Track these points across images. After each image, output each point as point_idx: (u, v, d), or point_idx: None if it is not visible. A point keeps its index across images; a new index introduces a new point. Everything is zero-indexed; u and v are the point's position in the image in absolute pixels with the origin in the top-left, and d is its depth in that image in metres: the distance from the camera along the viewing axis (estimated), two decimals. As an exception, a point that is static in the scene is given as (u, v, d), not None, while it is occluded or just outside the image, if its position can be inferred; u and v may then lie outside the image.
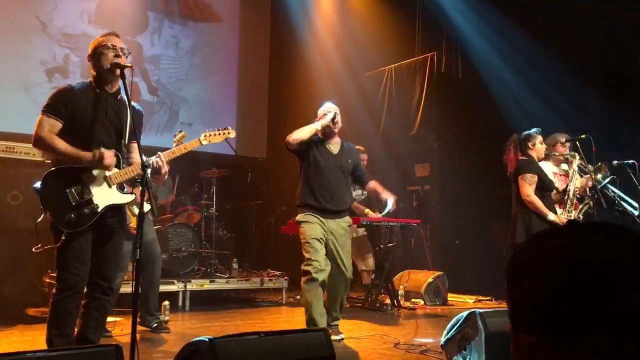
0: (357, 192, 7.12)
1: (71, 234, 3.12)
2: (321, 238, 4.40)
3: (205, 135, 3.80)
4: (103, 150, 3.16)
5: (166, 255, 6.10)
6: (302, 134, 4.45)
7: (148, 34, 8.72)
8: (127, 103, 3.28)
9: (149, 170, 3.08)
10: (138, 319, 4.83)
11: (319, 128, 4.51)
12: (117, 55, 3.23)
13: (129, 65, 3.20)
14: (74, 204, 3.12)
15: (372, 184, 4.85)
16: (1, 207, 5.38)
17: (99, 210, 3.19)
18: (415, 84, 8.55)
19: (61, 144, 3.14)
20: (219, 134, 3.85)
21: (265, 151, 9.69)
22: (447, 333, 3.78)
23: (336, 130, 4.59)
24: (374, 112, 9.02)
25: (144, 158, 3.11)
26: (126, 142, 3.33)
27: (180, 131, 5.05)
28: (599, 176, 5.00)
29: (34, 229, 3.23)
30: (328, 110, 4.59)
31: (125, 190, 3.35)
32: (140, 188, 2.86)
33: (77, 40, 7.95)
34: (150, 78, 8.68)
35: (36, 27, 7.72)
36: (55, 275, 3.28)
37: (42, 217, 3.18)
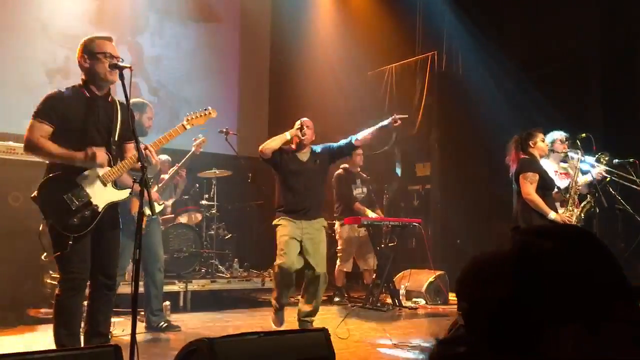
0: (357, 191, 7.10)
1: (76, 237, 3.17)
2: (294, 237, 4.75)
3: (188, 119, 3.82)
4: (95, 148, 3.22)
5: (167, 256, 6.10)
6: (273, 143, 4.86)
7: (149, 34, 8.71)
8: (116, 103, 3.39)
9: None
10: (143, 321, 4.87)
11: (289, 137, 4.88)
12: (112, 66, 3.27)
13: (128, 66, 3.21)
14: (74, 208, 3.18)
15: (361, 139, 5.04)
16: (2, 208, 5.37)
17: (100, 210, 3.27)
18: (416, 83, 8.54)
19: (52, 147, 3.19)
20: (201, 115, 3.87)
21: (266, 151, 9.67)
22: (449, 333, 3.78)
23: (305, 141, 4.92)
24: (375, 112, 9.01)
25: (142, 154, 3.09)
26: (115, 139, 3.40)
27: (200, 136, 5.22)
28: (603, 166, 5.00)
29: (34, 232, 3.28)
30: (297, 127, 4.99)
31: (119, 186, 3.40)
32: (144, 187, 2.87)
33: (78, 41, 7.89)
34: (151, 78, 8.68)
35: (37, 28, 7.71)
36: (57, 276, 3.31)
37: (41, 227, 3.29)
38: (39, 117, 3.24)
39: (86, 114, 3.29)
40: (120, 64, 3.26)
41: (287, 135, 4.89)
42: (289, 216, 4.85)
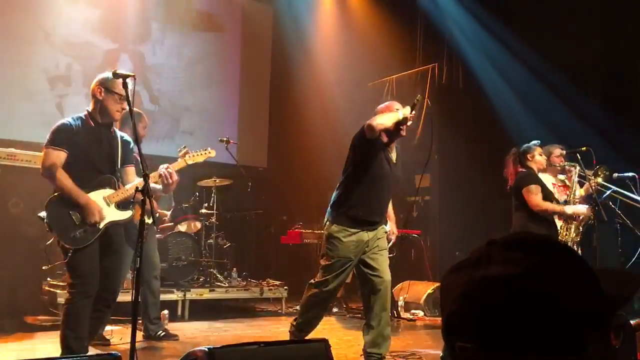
0: None
1: (76, 249, 3.37)
2: (355, 260, 3.80)
3: (189, 157, 4.06)
4: (96, 209, 3.42)
5: (166, 264, 6.09)
6: (387, 120, 3.61)
7: (151, 43, 8.74)
8: (117, 136, 3.66)
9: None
10: (141, 329, 4.86)
11: (400, 118, 3.64)
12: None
13: (132, 74, 3.27)
14: (77, 223, 3.39)
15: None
16: (1, 214, 5.37)
17: (101, 227, 3.47)
18: (417, 95, 8.57)
19: (64, 182, 3.40)
20: (201, 154, 4.14)
21: (266, 160, 9.69)
22: (447, 344, 3.76)
23: (404, 132, 3.76)
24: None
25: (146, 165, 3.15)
26: (119, 166, 3.63)
27: (185, 147, 5.04)
28: (599, 179, 5.01)
29: (33, 239, 3.40)
30: (396, 108, 3.79)
31: (122, 207, 3.60)
32: (145, 198, 2.95)
33: (80, 49, 7.97)
34: (152, 87, 8.70)
35: (39, 36, 7.74)
36: (55, 283, 3.39)
37: (50, 240, 3.50)
38: (52, 145, 3.44)
39: (92, 143, 3.53)
40: (122, 72, 3.32)
41: (400, 114, 3.64)
42: (356, 227, 3.76)
